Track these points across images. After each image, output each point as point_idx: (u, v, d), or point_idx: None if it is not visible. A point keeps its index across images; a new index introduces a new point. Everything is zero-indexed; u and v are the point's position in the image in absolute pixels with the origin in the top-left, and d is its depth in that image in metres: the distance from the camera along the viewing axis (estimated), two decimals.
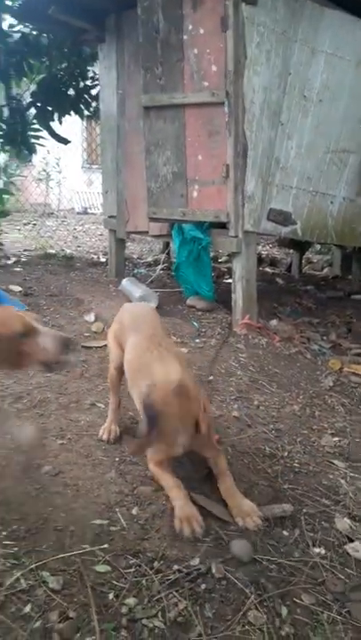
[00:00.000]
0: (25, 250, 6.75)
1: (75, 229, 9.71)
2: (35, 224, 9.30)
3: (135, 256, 7.19)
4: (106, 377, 2.99)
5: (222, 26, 3.67)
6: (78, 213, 12.99)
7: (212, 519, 1.81)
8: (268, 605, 1.49)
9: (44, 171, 12.05)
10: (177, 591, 1.49)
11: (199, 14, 3.78)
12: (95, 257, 6.78)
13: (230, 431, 2.47)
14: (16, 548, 1.60)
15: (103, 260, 6.41)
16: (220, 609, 1.46)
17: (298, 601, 1.53)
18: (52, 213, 12.08)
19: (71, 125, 6.47)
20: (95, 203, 13.57)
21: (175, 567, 1.58)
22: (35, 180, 10.99)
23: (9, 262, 5.63)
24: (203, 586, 1.52)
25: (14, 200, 8.28)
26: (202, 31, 3.80)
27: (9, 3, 5.28)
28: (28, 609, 1.38)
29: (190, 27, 3.83)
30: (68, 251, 6.96)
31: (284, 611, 1.48)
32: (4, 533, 1.66)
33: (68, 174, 12.82)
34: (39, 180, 11.63)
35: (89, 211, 13.43)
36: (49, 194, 12.33)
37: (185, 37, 3.85)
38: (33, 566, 1.53)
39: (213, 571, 1.57)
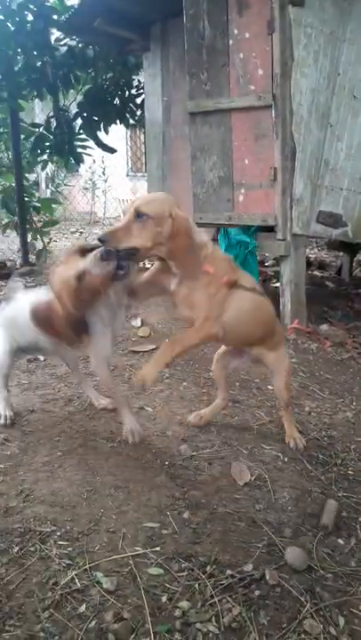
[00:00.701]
0: None
1: None
2: (81, 232, 9.50)
3: None
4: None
5: (268, 29, 3.65)
6: None
7: (266, 525, 1.78)
8: (325, 615, 1.44)
9: (91, 180, 12.31)
10: (230, 596, 1.47)
11: (245, 19, 3.78)
12: (140, 263, 6.84)
13: (281, 437, 2.42)
14: (70, 549, 1.62)
15: (148, 266, 6.46)
16: (275, 616, 1.42)
17: (355, 611, 1.47)
18: (98, 221, 12.32)
19: (116, 134, 6.58)
20: None
21: (228, 572, 1.56)
22: (81, 189, 11.25)
23: None
24: (257, 592, 1.49)
25: (62, 209, 8.52)
26: (247, 35, 3.79)
27: (55, 17, 5.43)
28: (83, 608, 1.39)
29: (236, 31, 3.83)
30: None
31: (342, 621, 1.44)
32: (58, 534, 1.69)
33: (113, 182, 13.04)
34: (85, 189, 11.89)
35: None
36: (95, 202, 12.57)
37: (230, 42, 3.85)
38: (87, 567, 1.54)
39: (267, 577, 1.54)
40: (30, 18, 5.22)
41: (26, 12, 5.15)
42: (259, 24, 3.72)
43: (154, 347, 3.48)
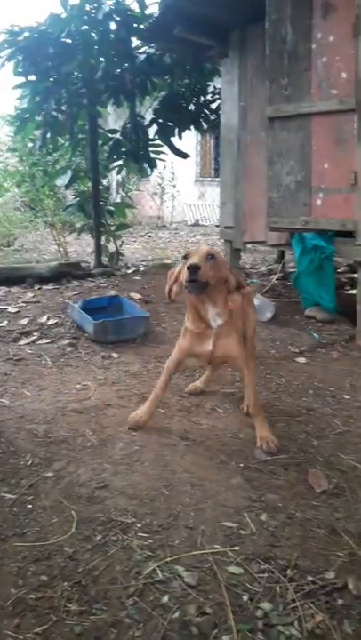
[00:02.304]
0: (143, 260, 7.04)
1: (187, 240, 9.96)
2: (150, 236, 9.66)
3: (248, 266, 7.19)
4: (222, 383, 3.03)
5: (354, 31, 3.59)
6: (190, 225, 13.32)
7: (347, 534, 1.74)
8: None
9: (160, 185, 12.50)
10: (313, 602, 1.44)
11: (329, 22, 3.74)
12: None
13: (359, 447, 2.36)
14: (150, 541, 1.65)
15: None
16: (359, 627, 1.39)
17: None
18: (165, 226, 12.49)
19: (185, 140, 6.64)
20: (206, 215, 13.83)
21: (309, 578, 1.53)
22: (150, 194, 11.45)
23: (129, 272, 5.89)
24: (340, 601, 1.46)
25: (131, 213, 8.70)
26: (331, 39, 3.75)
27: (135, 25, 5.57)
28: (165, 599, 1.41)
29: (319, 35, 3.79)
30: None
31: None
32: (138, 525, 1.72)
33: (180, 188, 13.20)
34: (154, 194, 12.08)
35: (200, 223, 13.72)
36: (163, 207, 12.76)
37: (313, 46, 3.82)
38: (167, 560, 1.56)
39: (350, 587, 1.50)
40: (114, 27, 5.38)
41: (109, 22, 5.32)
42: (343, 27, 3.67)
43: None
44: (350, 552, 1.66)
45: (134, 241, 9.22)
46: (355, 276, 4.35)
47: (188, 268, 2.08)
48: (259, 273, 6.52)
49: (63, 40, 5.37)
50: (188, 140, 8.56)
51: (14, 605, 1.39)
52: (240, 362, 2.37)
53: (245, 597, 1.45)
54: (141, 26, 5.54)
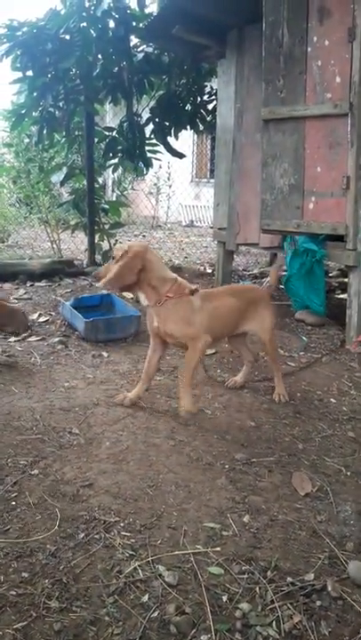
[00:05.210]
0: None
1: (181, 241, 9.95)
2: (144, 235, 9.66)
3: (241, 268, 7.21)
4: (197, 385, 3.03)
5: (349, 36, 3.61)
6: (185, 226, 13.31)
7: (328, 537, 1.76)
8: None
9: (155, 185, 12.48)
10: (291, 604, 1.46)
11: (325, 26, 3.75)
12: (202, 268, 6.89)
13: (344, 451, 2.38)
14: (133, 540, 1.66)
15: (209, 270, 6.49)
16: (336, 628, 1.40)
17: None
18: (160, 226, 12.48)
19: (181, 140, 6.64)
20: (201, 216, 13.83)
21: (289, 579, 1.55)
22: (146, 193, 11.43)
23: None
24: (318, 602, 1.48)
25: (126, 213, 8.70)
26: (327, 43, 3.76)
27: (134, 24, 5.56)
28: (145, 598, 1.42)
29: (315, 39, 3.80)
30: (177, 261, 7.14)
31: None
32: (122, 525, 1.73)
33: (176, 188, 13.18)
34: (150, 193, 12.06)
35: (195, 224, 13.71)
36: (158, 207, 12.74)
37: (309, 50, 3.83)
38: (149, 559, 1.57)
39: (329, 589, 1.52)
40: (112, 25, 5.38)
41: (108, 19, 5.31)
42: (339, 32, 3.68)
43: (215, 350, 3.51)
44: (330, 554, 1.68)
45: (128, 240, 9.21)
46: (346, 280, 4.38)
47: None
48: (251, 275, 6.54)
49: (62, 36, 5.35)
50: (185, 140, 8.56)
51: None
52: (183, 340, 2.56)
53: (225, 598, 1.46)
54: (140, 24, 5.54)
